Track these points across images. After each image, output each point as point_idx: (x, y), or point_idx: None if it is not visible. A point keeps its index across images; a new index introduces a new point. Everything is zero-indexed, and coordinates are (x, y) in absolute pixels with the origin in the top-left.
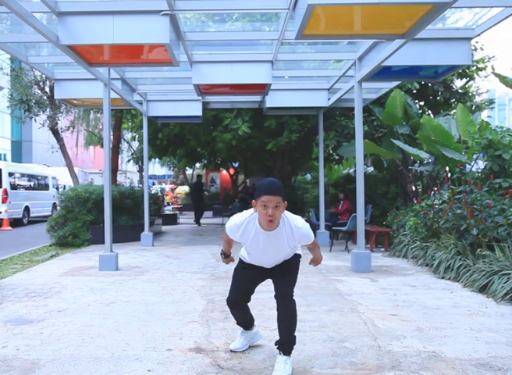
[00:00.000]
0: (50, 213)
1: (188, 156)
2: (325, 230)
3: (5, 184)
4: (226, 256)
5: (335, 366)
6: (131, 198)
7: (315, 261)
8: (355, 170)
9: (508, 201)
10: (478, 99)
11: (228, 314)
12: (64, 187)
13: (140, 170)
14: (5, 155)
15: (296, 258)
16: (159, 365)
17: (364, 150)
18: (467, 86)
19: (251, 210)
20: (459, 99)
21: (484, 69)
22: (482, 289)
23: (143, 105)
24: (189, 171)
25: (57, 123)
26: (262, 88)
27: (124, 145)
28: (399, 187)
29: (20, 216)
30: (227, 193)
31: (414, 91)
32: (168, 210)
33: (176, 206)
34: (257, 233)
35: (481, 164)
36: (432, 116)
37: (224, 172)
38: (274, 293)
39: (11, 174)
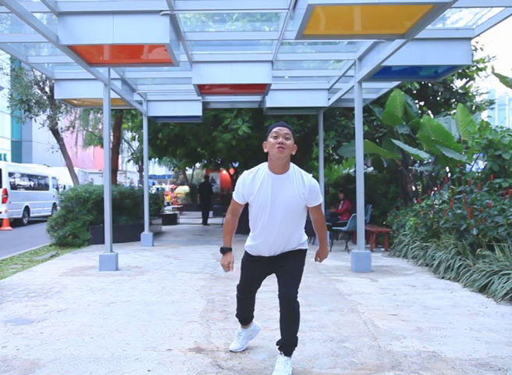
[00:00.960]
0: (50, 213)
1: (188, 156)
2: None
3: (5, 184)
4: (226, 251)
5: (335, 366)
6: (131, 198)
7: (321, 254)
8: (355, 170)
9: (508, 201)
10: (478, 99)
11: (228, 314)
12: (64, 187)
13: (140, 170)
14: (5, 155)
15: (302, 253)
16: (159, 365)
17: (364, 150)
18: (467, 86)
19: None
20: (459, 99)
21: (484, 69)
22: (482, 289)
23: (143, 105)
24: (189, 171)
25: (57, 123)
26: (262, 88)
27: (124, 145)
28: (399, 187)
29: (20, 216)
30: (227, 193)
31: (414, 91)
32: (168, 210)
33: (176, 206)
34: (267, 179)
35: (481, 164)
36: (432, 116)
37: (224, 172)
38: (277, 292)
39: (11, 174)
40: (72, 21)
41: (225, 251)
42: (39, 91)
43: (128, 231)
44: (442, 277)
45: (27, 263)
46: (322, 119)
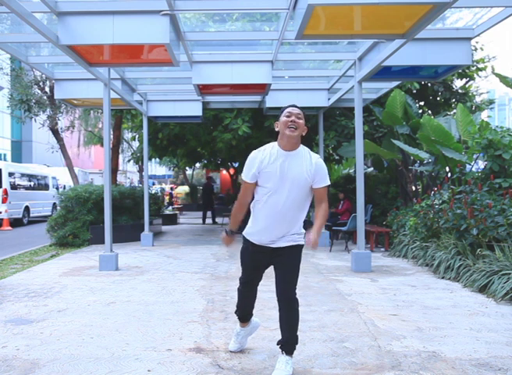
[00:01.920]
0: (50, 213)
1: (188, 156)
2: (325, 230)
3: (5, 184)
4: (230, 234)
5: (335, 366)
6: (131, 198)
7: (314, 238)
8: (355, 170)
9: (508, 201)
10: (478, 99)
11: (228, 314)
12: (64, 187)
13: (140, 170)
14: (5, 155)
15: (299, 250)
16: (159, 365)
17: (364, 150)
18: (467, 86)
19: None
20: (459, 99)
21: (484, 69)
22: (482, 289)
23: (143, 105)
24: (189, 171)
25: (57, 123)
26: (262, 88)
27: (124, 145)
28: (399, 187)
29: (20, 216)
30: (228, 193)
31: (414, 91)
32: (168, 210)
33: (176, 206)
34: (276, 154)
35: (481, 164)
36: (432, 116)
37: (224, 172)
38: (275, 291)
39: (11, 174)
40: (72, 21)
41: (228, 233)
42: (39, 91)
43: (128, 231)
44: (442, 277)
45: (27, 263)
46: (322, 119)
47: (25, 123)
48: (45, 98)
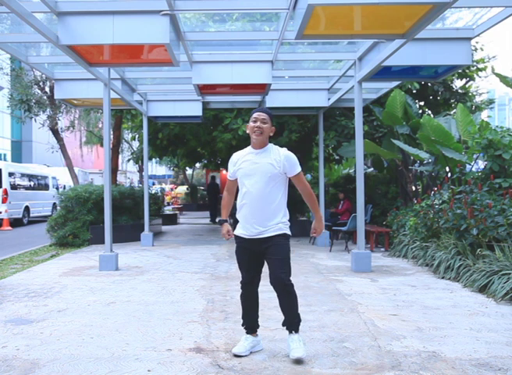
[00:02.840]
0: (50, 213)
1: (188, 156)
2: (325, 230)
3: (5, 184)
4: (223, 222)
5: (335, 366)
6: (131, 198)
7: (317, 226)
8: (355, 170)
9: (508, 201)
10: (477, 99)
11: (228, 314)
12: (64, 187)
13: (140, 170)
14: (5, 155)
15: (285, 238)
16: (159, 365)
17: (364, 150)
18: (467, 86)
19: None
20: (459, 99)
21: (484, 69)
22: (482, 289)
23: (143, 105)
24: (189, 171)
25: (57, 123)
26: (262, 88)
27: (124, 145)
28: (399, 187)
29: (20, 216)
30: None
31: (414, 91)
32: (168, 210)
33: (176, 206)
34: (249, 154)
35: (481, 164)
36: (432, 116)
37: (224, 172)
38: (269, 280)
39: (11, 174)
40: (72, 21)
41: (222, 222)
42: (39, 91)
43: (128, 231)
44: (442, 277)
45: (27, 263)
46: (322, 119)
47: (25, 123)
48: (45, 98)
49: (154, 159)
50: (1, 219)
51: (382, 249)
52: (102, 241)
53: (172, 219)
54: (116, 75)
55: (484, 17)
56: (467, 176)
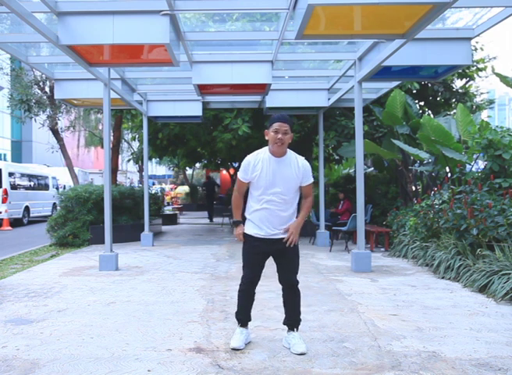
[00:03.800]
0: (50, 213)
1: (188, 156)
2: (325, 230)
3: (5, 184)
4: (238, 223)
5: (335, 366)
6: (131, 198)
7: (294, 228)
8: (355, 170)
9: (508, 201)
10: (478, 99)
11: (228, 314)
12: (64, 187)
13: (140, 170)
14: (5, 155)
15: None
16: (159, 365)
17: (364, 150)
18: (467, 86)
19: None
20: (459, 99)
21: (484, 69)
22: (482, 289)
23: (143, 105)
24: (189, 171)
25: (57, 123)
26: (262, 88)
27: (124, 145)
28: (399, 187)
29: (20, 216)
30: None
31: (414, 91)
32: (168, 210)
33: (176, 206)
34: (268, 160)
35: (481, 164)
36: (432, 116)
37: (224, 172)
38: (277, 292)
39: (11, 174)
40: (72, 21)
41: (236, 223)
42: (39, 91)
43: (128, 231)
44: (442, 277)
45: (27, 263)
46: (322, 119)
47: (25, 123)
48: (45, 98)
49: (154, 159)
50: (1, 219)
51: (382, 249)
52: (102, 241)
53: (172, 219)
54: (116, 75)
55: (484, 17)
56: (467, 176)
